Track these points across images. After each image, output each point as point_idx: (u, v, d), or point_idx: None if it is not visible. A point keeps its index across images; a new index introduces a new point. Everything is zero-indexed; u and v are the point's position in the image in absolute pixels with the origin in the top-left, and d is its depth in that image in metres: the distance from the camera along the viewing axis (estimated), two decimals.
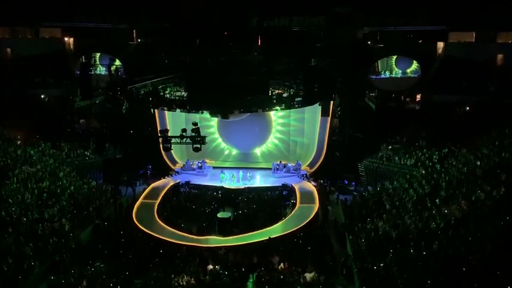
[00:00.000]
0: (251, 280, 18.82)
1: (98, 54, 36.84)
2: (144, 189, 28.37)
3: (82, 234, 22.07)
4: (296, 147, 33.79)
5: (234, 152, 34.41)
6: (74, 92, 34.49)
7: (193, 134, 24.12)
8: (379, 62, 35.40)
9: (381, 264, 17.40)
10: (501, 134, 25.16)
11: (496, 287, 13.54)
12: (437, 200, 20.95)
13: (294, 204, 26.08)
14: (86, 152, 30.79)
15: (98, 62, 38.67)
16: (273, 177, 30.81)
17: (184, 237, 21.73)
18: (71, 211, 23.01)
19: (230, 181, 29.45)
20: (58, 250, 19.68)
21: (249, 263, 19.66)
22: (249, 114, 28.36)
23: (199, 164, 31.74)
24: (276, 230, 22.37)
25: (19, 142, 29.48)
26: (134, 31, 37.79)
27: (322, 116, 31.00)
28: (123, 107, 30.75)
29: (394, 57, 35.47)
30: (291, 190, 28.19)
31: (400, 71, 35.44)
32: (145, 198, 26.67)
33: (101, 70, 36.79)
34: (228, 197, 27.49)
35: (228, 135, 33.23)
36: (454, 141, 27.34)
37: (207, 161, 32.43)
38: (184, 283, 17.79)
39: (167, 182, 29.72)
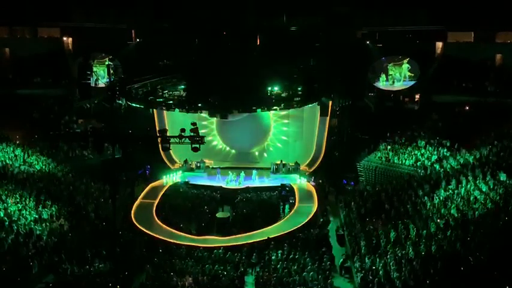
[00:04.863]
0: (251, 280, 18.82)
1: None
2: (143, 189, 28.35)
3: (80, 234, 22.02)
4: (295, 147, 33.73)
5: (233, 151, 34.33)
6: (72, 92, 34.48)
7: (192, 133, 24.06)
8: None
9: (380, 264, 17.41)
10: (500, 134, 25.23)
11: (495, 287, 13.57)
12: (435, 200, 20.99)
13: (293, 204, 26.07)
14: (84, 152, 30.69)
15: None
16: (272, 177, 30.74)
17: (183, 237, 21.75)
18: (69, 211, 22.99)
19: (236, 182, 29.06)
20: (57, 250, 19.65)
21: (248, 262, 19.66)
22: (247, 114, 28.32)
23: (198, 164, 31.69)
24: (274, 230, 22.38)
25: (18, 142, 29.41)
26: (133, 31, 37.77)
27: (321, 115, 30.93)
28: (122, 107, 30.72)
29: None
30: (289, 190, 28.16)
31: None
32: (144, 198, 26.65)
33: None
34: (227, 197, 27.44)
35: (227, 135, 33.14)
36: (452, 141, 27.37)
37: (205, 161, 32.36)
38: (183, 283, 17.76)
39: (166, 181, 29.67)
